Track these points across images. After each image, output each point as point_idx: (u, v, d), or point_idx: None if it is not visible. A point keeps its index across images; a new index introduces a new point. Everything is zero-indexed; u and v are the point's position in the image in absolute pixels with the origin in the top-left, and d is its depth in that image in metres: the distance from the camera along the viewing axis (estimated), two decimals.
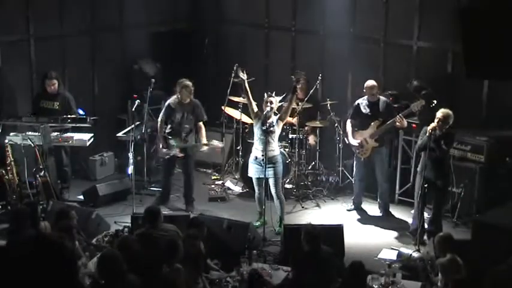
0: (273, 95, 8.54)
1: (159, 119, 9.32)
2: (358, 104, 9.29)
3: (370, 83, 9.12)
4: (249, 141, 9.97)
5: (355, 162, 9.46)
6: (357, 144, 9.24)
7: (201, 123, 9.33)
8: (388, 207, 9.47)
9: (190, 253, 6.50)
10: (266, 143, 8.41)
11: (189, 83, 9.15)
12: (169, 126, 9.25)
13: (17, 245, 6.19)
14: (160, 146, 9.31)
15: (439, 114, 8.10)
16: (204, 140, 9.27)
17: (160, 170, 9.90)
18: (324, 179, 10.40)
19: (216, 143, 9.54)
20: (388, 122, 8.98)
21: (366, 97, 9.19)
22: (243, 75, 8.63)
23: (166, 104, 9.32)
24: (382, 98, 9.19)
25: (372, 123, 9.10)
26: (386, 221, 9.28)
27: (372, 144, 9.15)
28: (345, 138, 9.76)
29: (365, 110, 9.19)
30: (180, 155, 9.26)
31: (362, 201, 9.65)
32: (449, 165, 8.66)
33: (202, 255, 6.87)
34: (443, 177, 8.37)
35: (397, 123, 8.93)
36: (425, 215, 8.54)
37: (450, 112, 8.11)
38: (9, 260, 5.70)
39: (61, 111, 9.46)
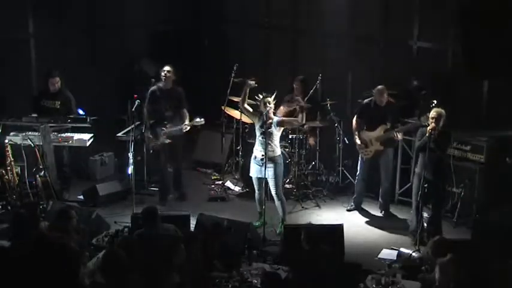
0: (269, 94, 8.46)
1: (145, 109, 9.38)
2: (366, 104, 9.28)
3: (380, 87, 9.07)
4: (249, 141, 9.97)
5: (359, 161, 9.43)
6: (362, 144, 9.24)
7: (184, 110, 9.42)
8: (389, 207, 9.47)
9: (190, 254, 6.49)
10: (265, 144, 8.40)
11: (170, 68, 9.31)
12: (153, 114, 9.37)
13: (17, 245, 6.19)
14: (150, 136, 9.39)
15: (433, 113, 8.11)
16: (186, 121, 9.33)
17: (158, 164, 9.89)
18: (324, 179, 10.40)
19: (198, 120, 9.45)
20: (390, 132, 9.01)
21: (374, 99, 9.15)
22: (251, 83, 8.56)
23: (150, 91, 9.40)
24: (391, 102, 9.14)
25: (380, 127, 9.10)
26: (386, 221, 9.28)
27: (376, 147, 9.15)
28: (345, 139, 9.77)
29: (372, 112, 9.19)
30: (168, 141, 9.34)
31: (362, 201, 9.64)
32: (449, 165, 8.67)
33: (201, 256, 6.84)
34: (443, 178, 8.37)
35: (392, 136, 9.00)
36: (425, 215, 8.54)
37: (443, 111, 8.13)
38: (10, 260, 5.70)
39: (62, 111, 9.48)
